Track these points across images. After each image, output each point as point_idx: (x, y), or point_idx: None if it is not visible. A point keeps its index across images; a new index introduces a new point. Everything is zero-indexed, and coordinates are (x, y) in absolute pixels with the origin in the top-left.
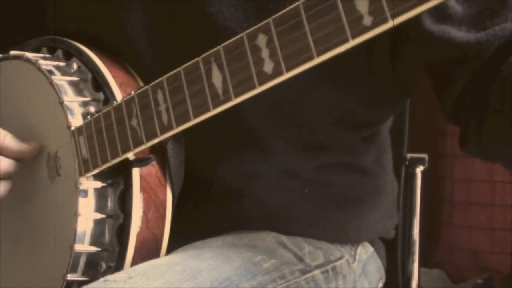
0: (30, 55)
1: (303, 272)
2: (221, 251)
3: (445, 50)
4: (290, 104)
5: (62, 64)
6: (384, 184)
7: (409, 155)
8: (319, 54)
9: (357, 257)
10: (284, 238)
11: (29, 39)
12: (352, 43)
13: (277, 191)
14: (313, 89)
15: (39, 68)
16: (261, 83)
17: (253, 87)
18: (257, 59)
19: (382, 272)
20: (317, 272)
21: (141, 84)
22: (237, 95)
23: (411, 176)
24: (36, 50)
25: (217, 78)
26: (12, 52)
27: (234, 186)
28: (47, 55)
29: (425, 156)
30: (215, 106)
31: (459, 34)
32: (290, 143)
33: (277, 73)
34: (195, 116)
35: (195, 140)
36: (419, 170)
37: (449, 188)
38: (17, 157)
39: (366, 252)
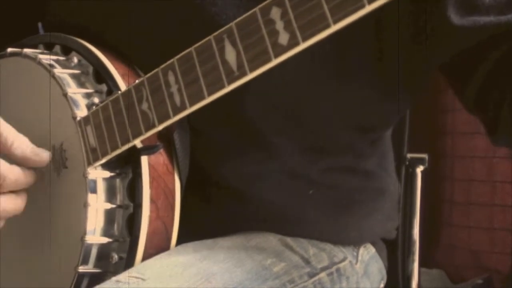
0: (28, 51)
1: (310, 276)
2: (232, 253)
3: (476, 36)
4: (296, 106)
5: (62, 58)
6: (387, 186)
7: (409, 155)
8: (336, 21)
9: (360, 258)
10: (289, 240)
11: (26, 37)
12: (368, 8)
13: (280, 192)
14: (320, 91)
15: (39, 63)
16: (277, 55)
17: (268, 60)
18: (272, 32)
19: (384, 272)
20: (323, 274)
21: (143, 76)
22: (252, 69)
23: (411, 176)
24: (33, 47)
25: (230, 54)
26: (9, 50)
27: (238, 187)
28: (45, 51)
29: (425, 156)
30: (230, 82)
31: (488, 19)
32: (295, 145)
33: (293, 44)
34: (210, 94)
35: (200, 141)
36: (419, 170)
37: (449, 188)
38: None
39: (368, 253)
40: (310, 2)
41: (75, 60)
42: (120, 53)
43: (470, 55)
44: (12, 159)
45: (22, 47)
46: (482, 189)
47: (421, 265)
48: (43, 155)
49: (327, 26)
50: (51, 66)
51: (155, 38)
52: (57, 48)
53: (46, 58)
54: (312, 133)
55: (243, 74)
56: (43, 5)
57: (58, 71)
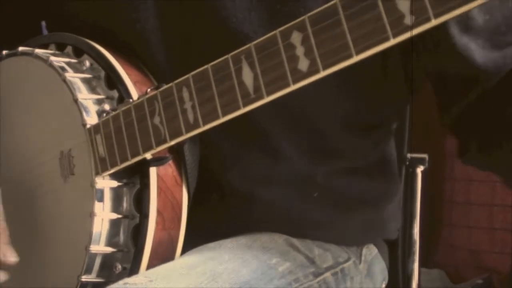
0: (39, 51)
1: (315, 275)
2: (238, 254)
3: (461, 66)
4: (303, 109)
5: (73, 61)
6: (390, 187)
7: (409, 155)
8: (358, 52)
9: (363, 258)
10: (295, 241)
11: (29, 36)
12: (392, 42)
13: (286, 195)
14: (326, 94)
15: (51, 65)
16: (295, 81)
17: (286, 85)
18: (291, 57)
19: (385, 273)
20: (328, 274)
21: (155, 83)
22: (269, 93)
23: (411, 176)
24: (44, 46)
25: (247, 76)
26: (21, 48)
27: (244, 190)
28: (57, 52)
29: (425, 156)
30: (246, 104)
31: (477, 52)
32: (301, 148)
33: (313, 71)
34: (224, 114)
35: (207, 144)
36: (419, 170)
37: (449, 188)
38: None
39: (370, 254)
40: (333, 31)
41: (87, 63)
42: (132, 57)
43: (457, 83)
44: None
45: (33, 46)
46: (482, 189)
47: (421, 265)
48: (10, 259)
49: (350, 56)
50: (63, 69)
51: (165, 42)
52: (69, 49)
53: (57, 60)
54: (318, 136)
55: (260, 97)
56: (47, 3)
57: (70, 75)
